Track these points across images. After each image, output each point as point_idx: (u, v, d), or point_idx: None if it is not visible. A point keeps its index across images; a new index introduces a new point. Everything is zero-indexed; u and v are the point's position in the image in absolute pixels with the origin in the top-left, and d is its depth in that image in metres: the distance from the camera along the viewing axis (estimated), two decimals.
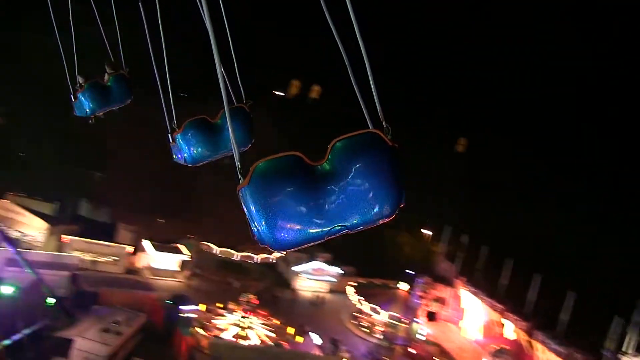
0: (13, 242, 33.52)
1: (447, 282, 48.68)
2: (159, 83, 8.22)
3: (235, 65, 7.34)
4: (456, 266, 48.91)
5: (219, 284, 46.65)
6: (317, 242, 3.39)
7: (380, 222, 3.39)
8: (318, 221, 3.29)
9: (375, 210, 3.32)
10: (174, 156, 7.76)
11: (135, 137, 49.59)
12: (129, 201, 44.43)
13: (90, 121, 9.94)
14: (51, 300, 30.50)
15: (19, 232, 42.70)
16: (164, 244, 47.09)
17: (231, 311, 38.58)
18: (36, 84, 48.33)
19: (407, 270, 49.72)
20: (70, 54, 10.40)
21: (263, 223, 3.24)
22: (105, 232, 46.37)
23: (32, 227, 43.21)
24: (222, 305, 39.09)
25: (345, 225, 3.33)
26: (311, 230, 3.29)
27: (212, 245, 51.03)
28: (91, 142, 46.94)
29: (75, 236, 43.79)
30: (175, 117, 7.67)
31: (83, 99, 9.67)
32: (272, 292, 47.07)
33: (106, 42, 10.19)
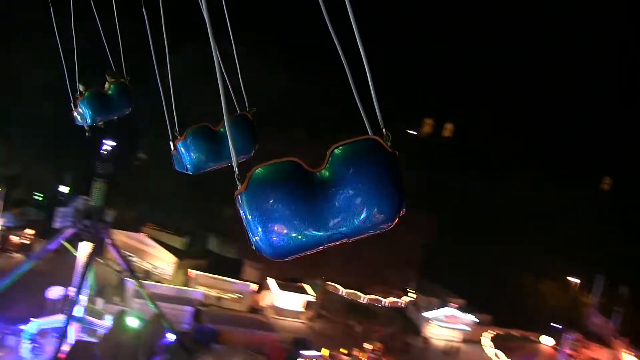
0: (137, 275, 33.68)
1: (603, 342, 42.47)
2: (161, 91, 8.26)
3: (239, 74, 7.28)
4: (614, 323, 42.58)
5: (343, 327, 44.48)
6: (316, 250, 3.21)
7: (382, 228, 3.22)
8: (316, 228, 3.14)
9: (375, 217, 3.16)
10: (176, 165, 7.55)
11: None
12: None
13: (87, 134, 9.87)
14: (172, 336, 29.94)
15: (150, 264, 43.59)
16: (289, 283, 45.81)
17: (356, 358, 36.18)
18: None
19: (552, 324, 44.50)
20: (71, 62, 10.29)
21: (259, 229, 3.10)
22: (232, 269, 46.14)
23: (162, 260, 43.95)
24: (346, 352, 36.85)
25: (344, 233, 3.17)
26: (309, 237, 3.15)
27: (338, 286, 48.93)
28: (222, 178, 47.52)
29: (202, 271, 43.84)
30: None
31: (83, 107, 9.59)
32: (399, 339, 43.90)
33: (107, 49, 10.24)
